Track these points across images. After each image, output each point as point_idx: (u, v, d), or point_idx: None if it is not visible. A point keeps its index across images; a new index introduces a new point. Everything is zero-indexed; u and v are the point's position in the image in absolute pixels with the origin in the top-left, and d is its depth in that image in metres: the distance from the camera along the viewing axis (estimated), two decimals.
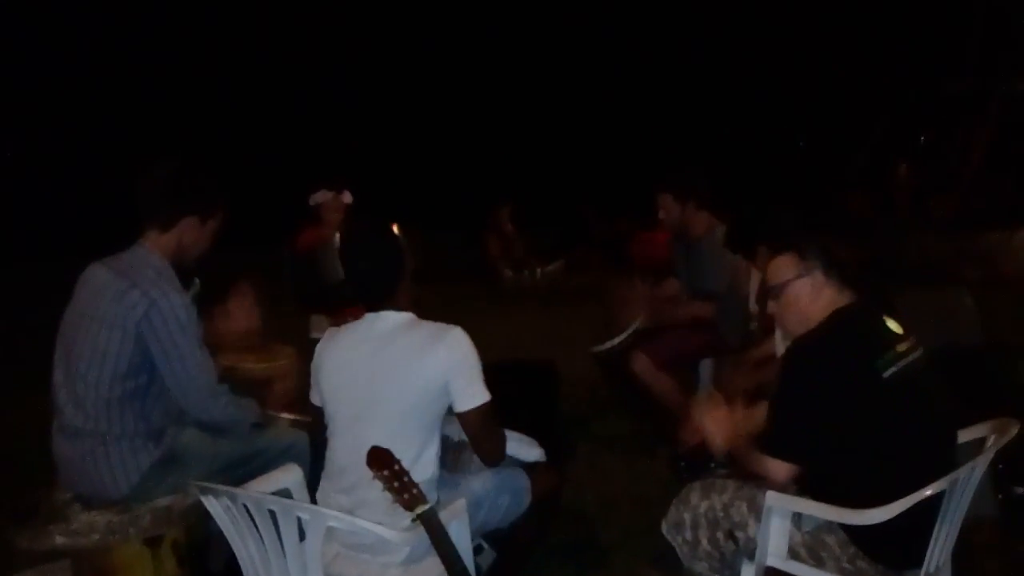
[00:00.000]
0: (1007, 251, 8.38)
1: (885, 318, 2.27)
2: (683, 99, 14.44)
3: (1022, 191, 9.85)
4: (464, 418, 2.26)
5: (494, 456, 2.39)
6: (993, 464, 2.56)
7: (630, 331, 4.16)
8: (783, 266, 2.37)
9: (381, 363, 2.21)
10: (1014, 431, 2.20)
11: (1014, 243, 8.42)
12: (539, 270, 9.85)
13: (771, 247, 2.51)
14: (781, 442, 2.19)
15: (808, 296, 2.32)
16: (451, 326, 2.25)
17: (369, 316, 2.31)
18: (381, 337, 2.25)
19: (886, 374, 2.12)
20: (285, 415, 2.90)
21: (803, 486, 2.22)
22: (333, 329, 2.40)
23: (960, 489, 2.10)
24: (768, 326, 3.54)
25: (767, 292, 2.42)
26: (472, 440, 2.32)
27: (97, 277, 2.50)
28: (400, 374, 2.19)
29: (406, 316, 2.30)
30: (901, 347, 2.19)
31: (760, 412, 2.58)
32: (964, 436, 2.31)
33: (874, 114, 11.70)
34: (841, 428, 2.12)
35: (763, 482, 2.24)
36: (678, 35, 13.83)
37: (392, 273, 2.30)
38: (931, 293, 4.39)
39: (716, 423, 2.46)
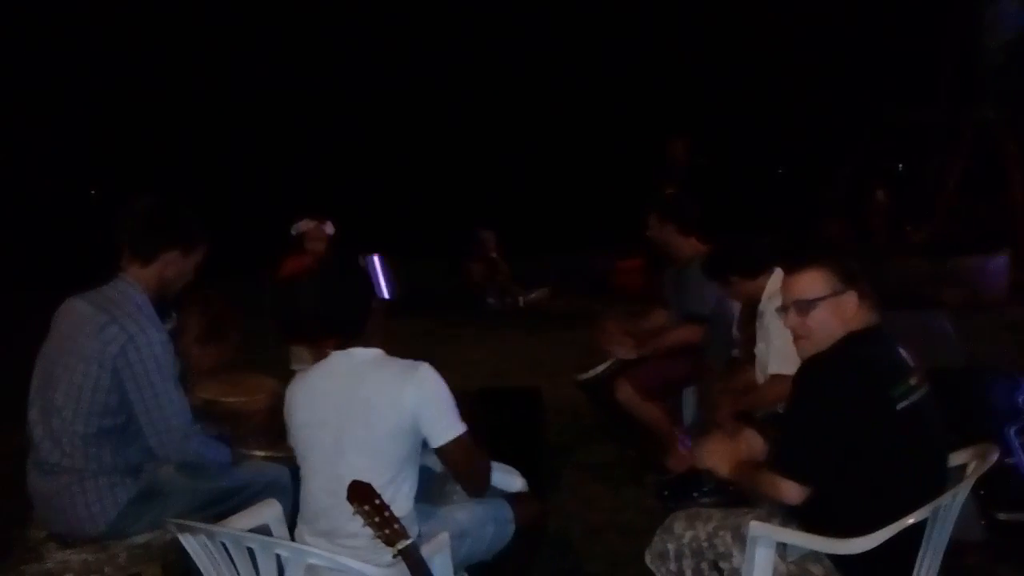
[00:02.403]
0: (984, 275, 8.47)
1: (899, 348, 2.26)
2: (662, 127, 14.61)
3: (997, 216, 10.00)
4: (441, 453, 2.24)
5: (478, 487, 2.37)
6: (975, 489, 2.57)
7: (613, 360, 4.16)
8: (817, 280, 2.28)
9: (350, 403, 2.19)
10: (994, 457, 2.21)
11: (990, 267, 8.52)
12: (522, 297, 9.85)
13: (798, 261, 2.40)
14: (794, 462, 2.16)
15: (840, 317, 2.24)
16: (419, 363, 2.23)
17: (337, 354, 2.29)
18: (349, 376, 2.23)
19: (899, 407, 2.11)
20: (258, 452, 2.85)
21: (790, 512, 2.21)
22: (303, 371, 2.38)
23: (943, 516, 2.10)
24: (751, 353, 3.56)
25: (792, 307, 2.32)
26: (453, 473, 2.30)
27: (75, 311, 2.47)
28: (369, 414, 2.17)
29: (374, 353, 2.28)
30: (913, 380, 2.18)
31: (751, 438, 2.59)
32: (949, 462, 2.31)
33: (851, 142, 11.88)
34: (848, 454, 2.11)
35: (751, 510, 2.23)
36: (657, 64, 14.00)
37: (360, 310, 2.29)
38: (911, 317, 4.43)
39: (716, 455, 2.44)
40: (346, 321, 2.28)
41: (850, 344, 2.22)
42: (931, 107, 10.54)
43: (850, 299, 2.25)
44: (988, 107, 10.03)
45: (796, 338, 2.34)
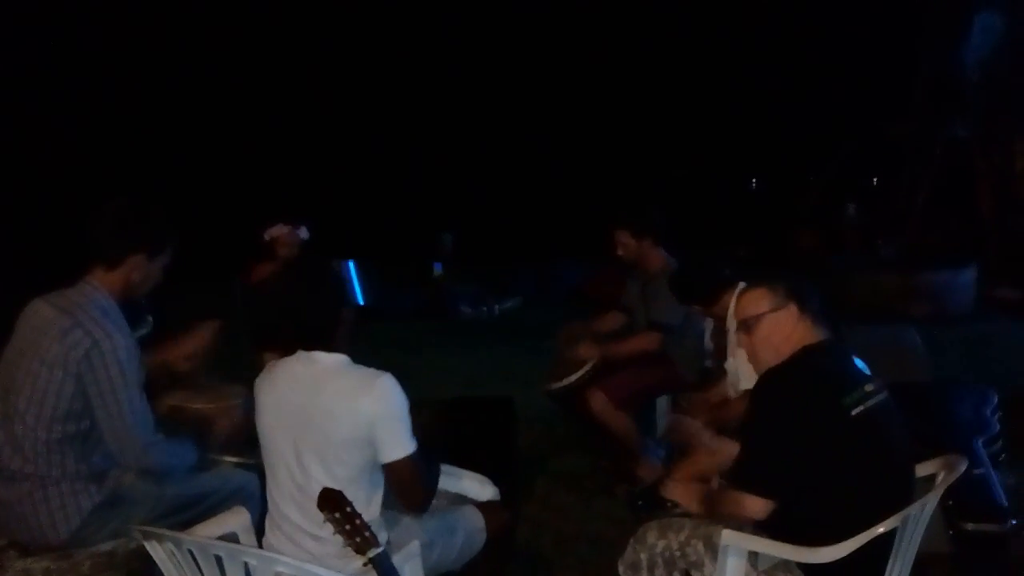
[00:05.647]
0: (953, 289, 8.60)
1: (854, 357, 2.30)
2: (636, 140, 14.69)
3: (966, 231, 10.17)
4: (388, 469, 2.20)
5: (418, 506, 2.32)
6: (942, 501, 2.59)
7: (585, 370, 4.16)
8: (757, 299, 2.37)
9: (306, 409, 2.17)
10: (963, 467, 2.23)
11: (959, 281, 8.65)
12: (497, 306, 9.84)
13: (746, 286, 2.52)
14: (754, 476, 2.18)
15: (783, 330, 2.31)
16: (380, 373, 2.20)
17: (301, 355, 2.25)
18: (309, 381, 2.20)
19: (854, 412, 2.14)
20: (228, 458, 2.82)
21: (760, 523, 2.22)
22: (269, 365, 2.34)
23: (912, 526, 2.12)
24: (722, 366, 3.58)
25: (739, 326, 2.41)
26: (396, 490, 2.25)
27: (39, 314, 2.42)
28: (328, 420, 2.14)
29: (338, 359, 2.24)
30: (868, 387, 2.21)
31: (725, 447, 2.61)
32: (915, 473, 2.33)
33: (824, 155, 12.03)
34: (806, 464, 2.13)
35: (722, 520, 2.24)
36: (634, 77, 14.08)
37: (327, 316, 2.26)
38: (880, 330, 4.48)
39: (682, 491, 2.50)
40: (313, 327, 2.24)
41: (802, 356, 2.27)
42: (904, 122, 10.70)
43: (789, 313, 2.32)
44: (960, 123, 10.20)
45: (748, 357, 2.44)
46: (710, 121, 14.58)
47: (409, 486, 2.24)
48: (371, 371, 2.21)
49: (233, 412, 3.11)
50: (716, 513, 2.31)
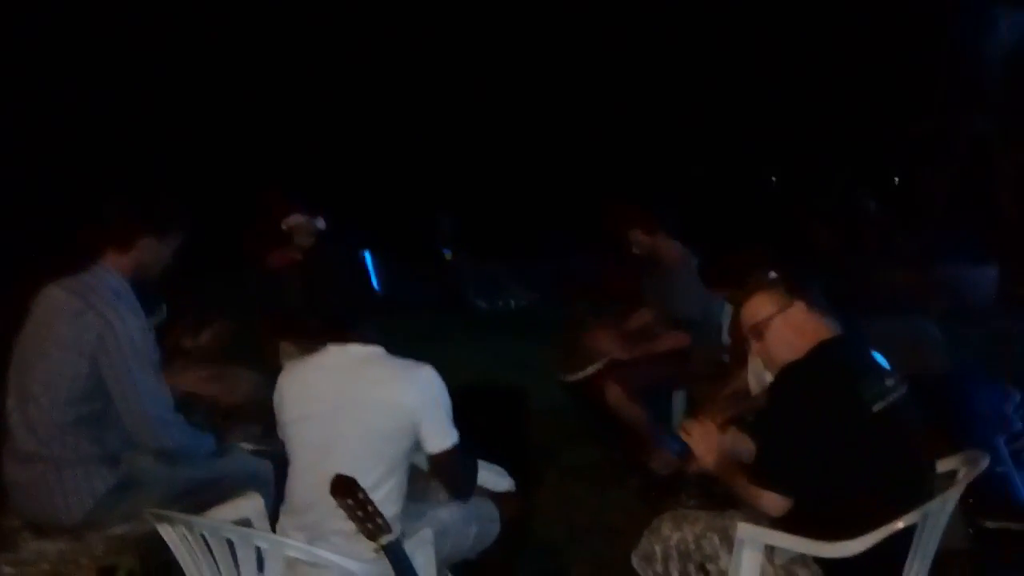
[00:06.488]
0: (973, 286, 8.50)
1: (872, 351, 2.26)
2: (654, 135, 14.62)
3: (985, 227, 10.05)
4: (434, 460, 2.20)
5: (464, 493, 2.34)
6: (963, 498, 2.55)
7: (603, 361, 4.13)
8: (761, 304, 2.33)
9: (346, 399, 2.14)
10: (984, 463, 2.19)
11: (980, 278, 8.55)
12: (512, 300, 9.82)
13: (744, 288, 2.46)
14: (774, 474, 2.15)
15: (793, 330, 2.28)
16: (422, 364, 2.18)
17: (333, 348, 2.21)
18: (346, 370, 2.17)
19: (875, 407, 2.10)
20: (245, 445, 2.82)
21: (777, 517, 2.19)
22: (296, 360, 2.33)
23: (932, 522, 2.09)
24: (741, 358, 3.54)
25: (750, 334, 2.37)
26: (441, 479, 2.26)
27: (53, 298, 2.44)
28: (366, 411, 2.12)
29: (374, 350, 2.20)
30: (889, 381, 2.18)
31: (741, 442, 2.57)
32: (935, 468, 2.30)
33: (846, 151, 11.93)
34: (826, 460, 2.09)
35: (738, 512, 2.21)
36: (653, 74, 14.00)
37: (358, 303, 2.24)
38: (897, 322, 4.43)
39: (704, 443, 2.38)
40: (346, 314, 2.21)
41: (820, 351, 2.23)
42: (925, 119, 10.58)
43: (798, 309, 2.29)
44: (983, 119, 10.08)
45: (764, 363, 2.41)
46: (729, 117, 14.47)
47: (454, 475, 2.25)
48: (411, 362, 2.19)
49: (248, 399, 3.13)
50: (729, 484, 2.26)
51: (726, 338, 3.92)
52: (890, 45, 10.70)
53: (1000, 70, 9.88)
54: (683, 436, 2.44)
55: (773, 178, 16.67)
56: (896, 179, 12.92)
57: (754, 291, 2.38)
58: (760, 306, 2.33)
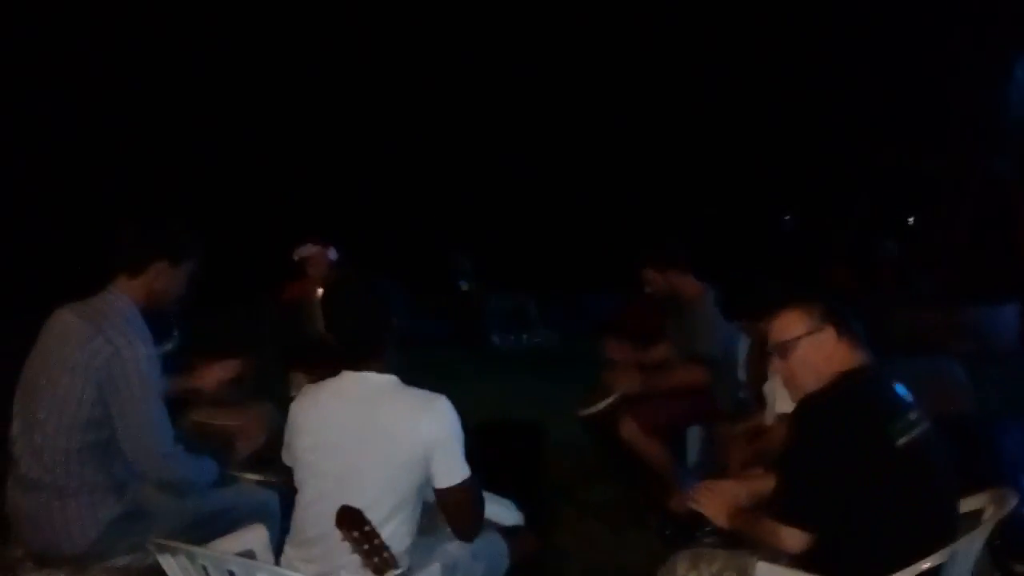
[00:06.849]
0: (995, 326, 8.38)
1: (895, 384, 2.20)
2: (670, 173, 14.64)
3: (1006, 266, 9.94)
4: (443, 494, 2.14)
5: (469, 533, 2.25)
6: (989, 539, 2.47)
7: (617, 395, 4.07)
8: (792, 322, 2.27)
9: (361, 430, 2.09)
10: (1012, 503, 2.12)
11: (1002, 318, 8.43)
12: (527, 335, 9.78)
13: (776, 303, 2.40)
14: (794, 508, 2.08)
15: (821, 354, 2.21)
16: (437, 395, 2.14)
17: (348, 375, 2.18)
18: (362, 401, 2.13)
19: (899, 443, 2.05)
20: (250, 476, 2.78)
21: (796, 556, 2.12)
22: (310, 386, 2.29)
23: (959, 562, 2.01)
24: (758, 395, 3.48)
25: (775, 351, 2.31)
26: (447, 517, 2.19)
27: (63, 322, 2.42)
28: (382, 441, 2.08)
29: (389, 379, 2.17)
30: (912, 415, 2.12)
31: (759, 481, 2.49)
32: (962, 507, 2.22)
33: (861, 191, 11.88)
34: (849, 496, 2.03)
35: (756, 550, 2.14)
36: (667, 111, 14.05)
37: (377, 331, 2.19)
38: (920, 362, 4.34)
39: (712, 504, 2.35)
40: (363, 342, 2.17)
41: (844, 383, 2.17)
42: (941, 157, 10.55)
43: (828, 335, 2.22)
44: (1000, 159, 10.04)
45: (785, 382, 2.34)
46: (743, 156, 14.50)
47: (463, 512, 2.18)
48: (427, 392, 2.15)
49: (258, 430, 3.09)
50: (747, 532, 2.20)
51: (743, 374, 3.86)
52: (902, 83, 10.70)
53: (1016, 109, 9.87)
54: (692, 505, 2.40)
55: (787, 216, 16.65)
56: (910, 219, 12.85)
57: (788, 306, 2.31)
58: (791, 324, 2.27)
